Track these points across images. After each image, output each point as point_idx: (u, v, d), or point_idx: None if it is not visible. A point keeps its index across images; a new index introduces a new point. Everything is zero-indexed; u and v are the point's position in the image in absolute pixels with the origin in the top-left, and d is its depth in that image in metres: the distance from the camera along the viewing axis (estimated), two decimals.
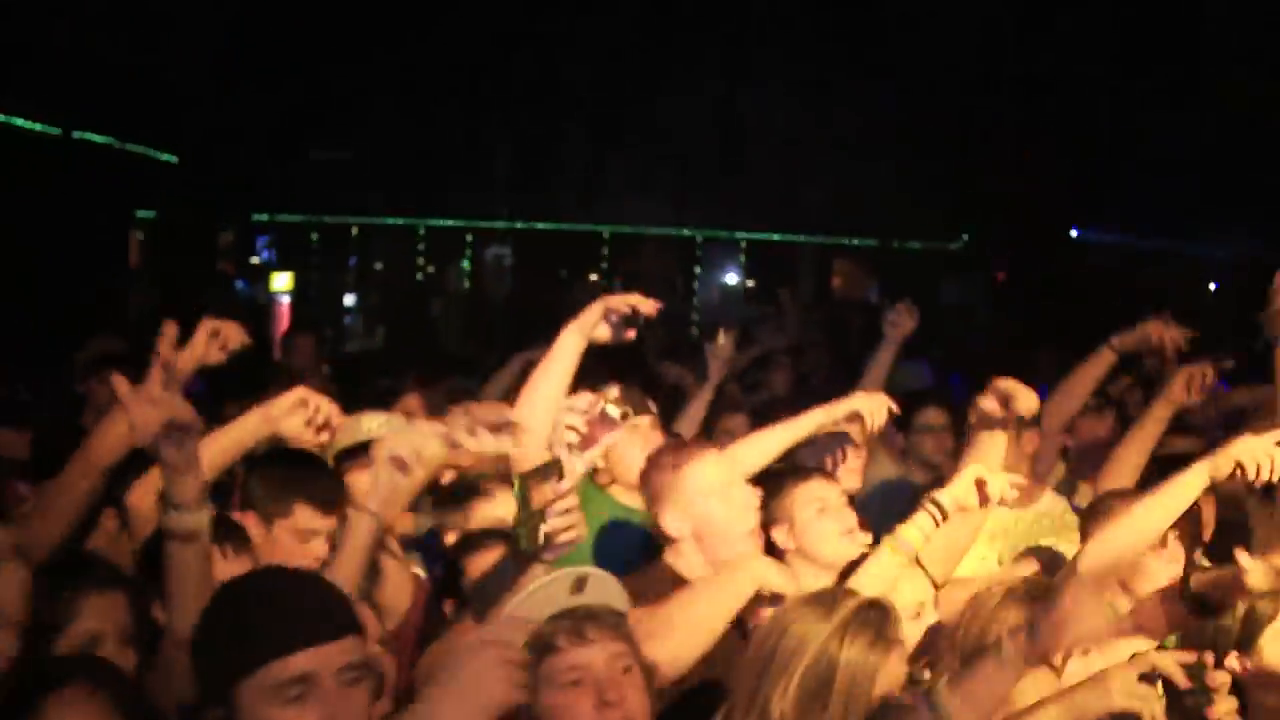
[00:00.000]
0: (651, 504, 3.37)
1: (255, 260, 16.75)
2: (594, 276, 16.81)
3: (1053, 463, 5.00)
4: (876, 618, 2.45)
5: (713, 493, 3.28)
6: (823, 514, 3.55)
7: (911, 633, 3.17)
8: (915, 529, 3.17)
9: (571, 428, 2.77)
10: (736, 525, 3.28)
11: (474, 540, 3.38)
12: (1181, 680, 2.44)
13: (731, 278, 17.54)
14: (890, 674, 2.46)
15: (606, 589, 2.46)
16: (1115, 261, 15.01)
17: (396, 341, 15.46)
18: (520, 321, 13.41)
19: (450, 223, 17.12)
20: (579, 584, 2.39)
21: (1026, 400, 3.31)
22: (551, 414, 3.11)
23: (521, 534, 2.66)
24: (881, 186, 14.31)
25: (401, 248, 17.47)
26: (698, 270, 17.17)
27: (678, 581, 3.23)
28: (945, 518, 3.18)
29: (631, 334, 3.49)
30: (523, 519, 2.68)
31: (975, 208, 14.77)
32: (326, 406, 3.12)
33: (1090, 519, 3.69)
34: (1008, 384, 3.32)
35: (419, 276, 17.51)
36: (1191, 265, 15.35)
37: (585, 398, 2.84)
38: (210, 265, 15.27)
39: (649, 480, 3.39)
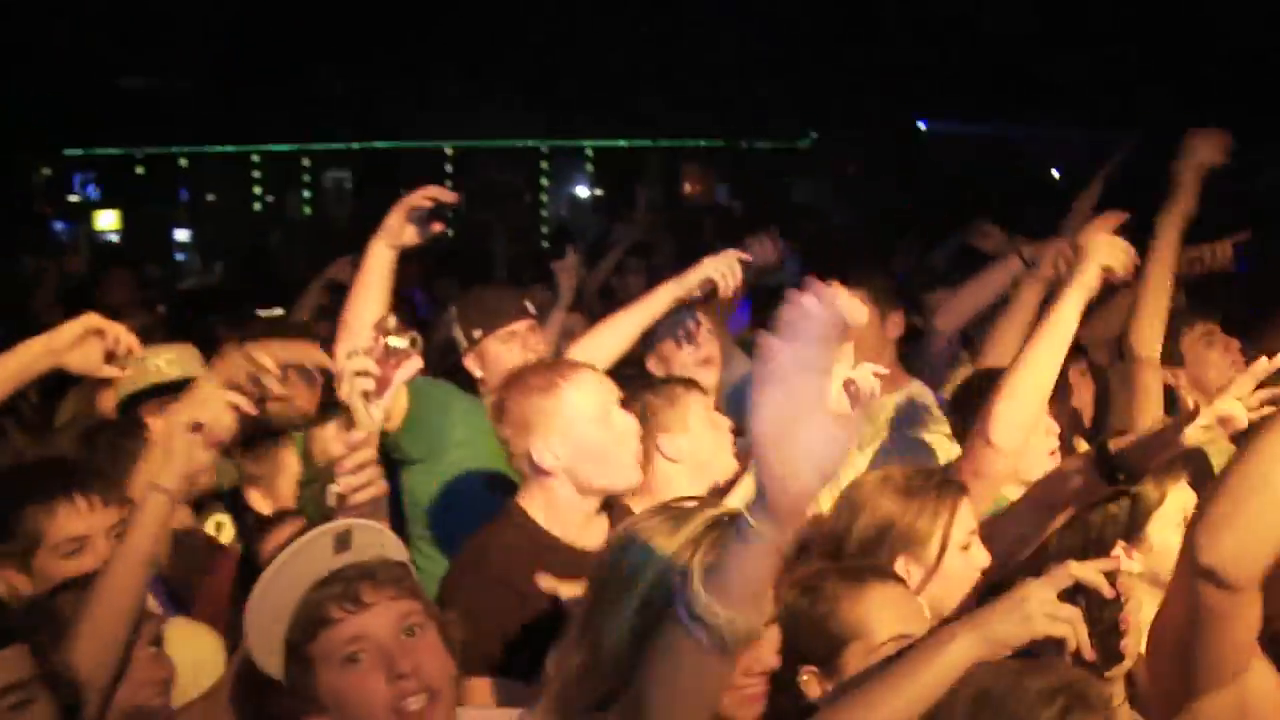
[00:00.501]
0: (516, 431, 2.96)
1: (74, 198, 15.79)
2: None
3: (955, 356, 4.84)
4: None
5: (592, 417, 2.93)
6: (715, 426, 3.33)
7: None
8: None
9: (363, 374, 2.41)
10: (620, 452, 2.95)
11: (266, 523, 2.98)
12: (1108, 590, 2.11)
13: (579, 187, 17.19)
14: None
15: (376, 539, 2.09)
16: (962, 151, 15.10)
17: (236, 276, 14.79)
18: (365, 246, 12.82)
19: (285, 147, 16.42)
20: (342, 540, 2.03)
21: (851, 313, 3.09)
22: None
23: (307, 499, 2.27)
24: (726, 87, 14.10)
25: (235, 177, 16.71)
26: (544, 182, 16.79)
27: (534, 530, 2.92)
28: None
29: (439, 227, 3.32)
30: (307, 480, 2.30)
31: (821, 105, 14.67)
32: (126, 335, 2.74)
33: (963, 402, 3.55)
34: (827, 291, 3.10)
35: (256, 206, 16.81)
36: (1034, 151, 15.52)
37: (363, 338, 2.47)
38: (26, 206, 14.33)
39: (512, 405, 2.98)
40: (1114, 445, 2.62)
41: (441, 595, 2.87)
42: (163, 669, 2.39)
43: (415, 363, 2.44)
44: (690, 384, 3.42)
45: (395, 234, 3.35)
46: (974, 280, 4.62)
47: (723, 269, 3.84)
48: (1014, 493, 3.37)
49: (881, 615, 2.28)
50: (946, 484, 2.70)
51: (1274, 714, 2.20)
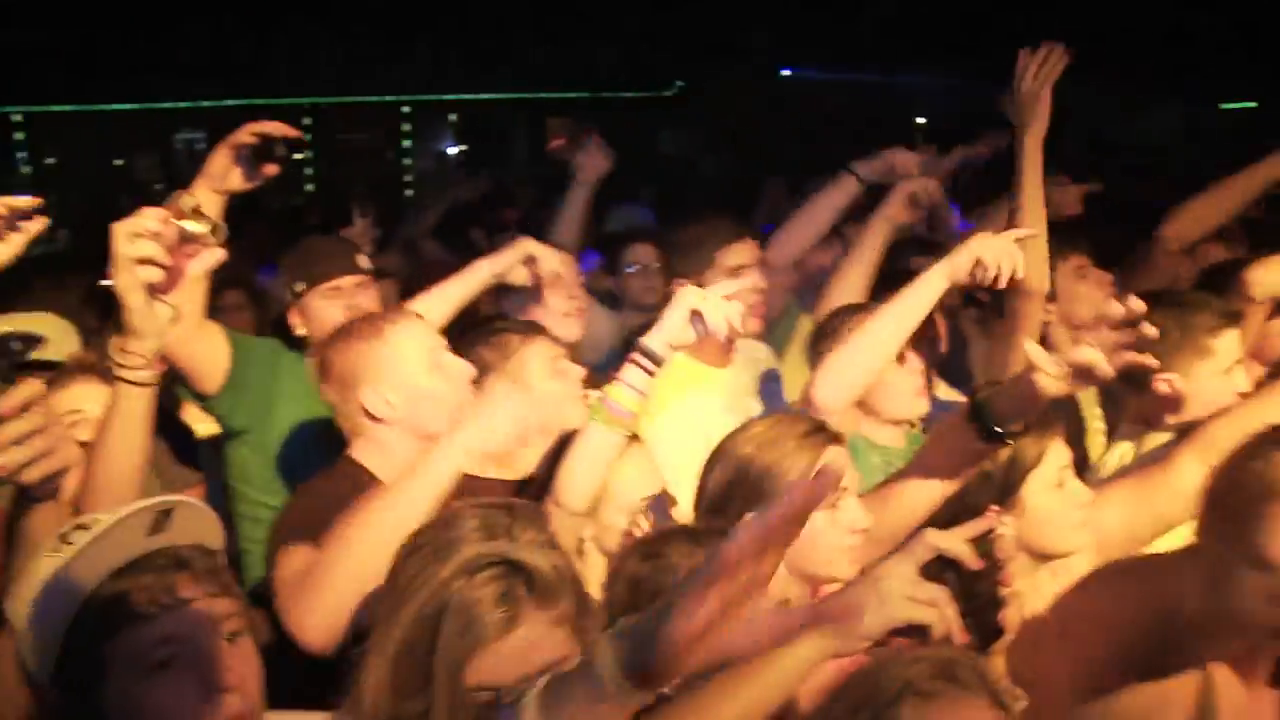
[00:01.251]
0: (344, 386, 2.79)
1: None
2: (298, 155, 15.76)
3: (783, 299, 4.72)
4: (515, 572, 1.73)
5: (423, 363, 2.78)
6: (559, 376, 3.13)
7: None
8: (625, 390, 2.60)
9: (147, 262, 2.02)
10: (456, 397, 2.78)
11: None
12: (973, 562, 1.87)
13: (444, 144, 16.75)
14: (508, 654, 1.71)
15: (197, 523, 1.81)
16: (826, 97, 15.06)
17: (82, 243, 14.10)
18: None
19: (135, 106, 15.68)
20: (160, 519, 1.73)
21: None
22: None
23: None
24: (591, 38, 13.83)
25: (81, 139, 15.89)
26: (407, 143, 16.32)
27: (368, 481, 2.73)
28: (659, 365, 2.62)
29: (273, 169, 3.07)
30: None
31: (686, 54, 14.50)
32: None
33: (820, 341, 3.40)
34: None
35: (103, 169, 16.05)
36: (899, 97, 15.57)
37: (152, 216, 2.05)
38: None
39: (337, 359, 2.81)
40: (985, 396, 2.32)
41: (272, 538, 2.70)
42: None
43: (215, 253, 2.11)
44: (528, 332, 3.19)
45: (218, 178, 3.11)
46: (808, 206, 4.39)
47: (539, 250, 3.74)
48: (874, 430, 3.25)
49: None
50: (812, 431, 2.44)
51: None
